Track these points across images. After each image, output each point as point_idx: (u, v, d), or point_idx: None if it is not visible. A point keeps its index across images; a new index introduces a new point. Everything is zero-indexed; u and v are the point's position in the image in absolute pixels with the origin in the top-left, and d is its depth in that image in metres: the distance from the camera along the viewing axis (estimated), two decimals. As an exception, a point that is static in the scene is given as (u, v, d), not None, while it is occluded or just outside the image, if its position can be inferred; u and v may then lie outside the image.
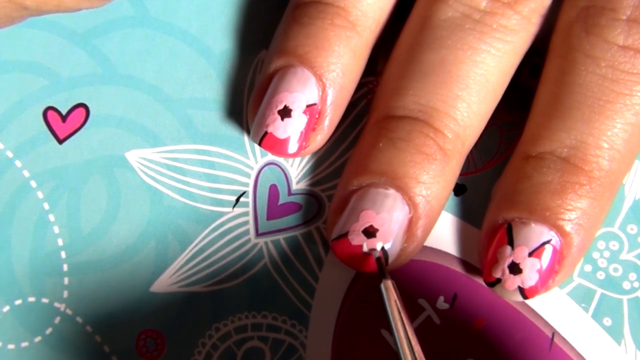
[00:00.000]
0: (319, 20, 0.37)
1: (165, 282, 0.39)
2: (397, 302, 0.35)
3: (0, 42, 0.39)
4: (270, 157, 0.39)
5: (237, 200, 0.39)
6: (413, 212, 0.36)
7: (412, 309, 0.38)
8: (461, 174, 0.38)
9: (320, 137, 0.37)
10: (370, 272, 0.37)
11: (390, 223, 0.36)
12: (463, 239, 0.39)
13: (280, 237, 0.39)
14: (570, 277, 0.38)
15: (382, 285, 0.35)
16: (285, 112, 0.37)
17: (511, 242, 0.36)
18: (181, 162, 0.39)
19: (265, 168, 0.39)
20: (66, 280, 0.39)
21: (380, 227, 0.36)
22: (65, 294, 0.39)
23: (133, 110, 0.40)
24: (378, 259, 0.36)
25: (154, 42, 0.40)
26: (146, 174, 0.39)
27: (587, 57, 0.35)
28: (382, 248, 0.36)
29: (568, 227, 0.35)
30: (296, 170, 0.39)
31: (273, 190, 0.39)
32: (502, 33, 0.36)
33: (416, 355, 0.34)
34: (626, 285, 0.38)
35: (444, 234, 0.39)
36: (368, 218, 0.36)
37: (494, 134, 0.39)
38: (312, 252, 0.39)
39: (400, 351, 0.34)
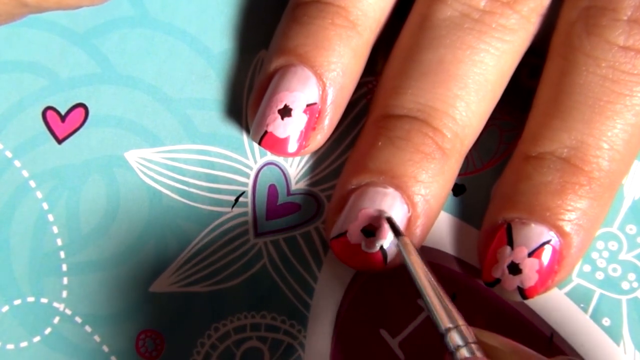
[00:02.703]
0: (319, 20, 0.37)
1: (164, 282, 0.39)
2: (418, 256, 0.35)
3: (0, 41, 0.39)
4: (269, 157, 0.39)
5: (236, 200, 0.39)
6: (412, 211, 0.36)
7: (411, 309, 0.38)
8: (460, 174, 0.38)
9: (320, 137, 0.38)
10: (369, 271, 0.37)
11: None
12: (462, 238, 0.39)
13: (280, 237, 0.39)
14: (569, 277, 0.38)
15: (399, 243, 0.35)
16: (286, 112, 0.37)
17: (511, 243, 0.36)
18: (180, 162, 0.39)
19: (265, 168, 0.39)
20: (65, 280, 0.39)
21: (379, 226, 0.36)
22: (65, 293, 0.39)
23: (132, 110, 0.40)
24: (388, 218, 0.36)
25: (154, 42, 0.40)
26: (145, 174, 0.39)
27: (588, 57, 0.35)
28: (381, 247, 0.36)
29: (568, 227, 0.35)
30: (295, 171, 0.39)
31: (272, 191, 0.39)
32: (501, 32, 0.36)
33: (447, 307, 0.33)
34: (625, 286, 0.38)
35: (443, 234, 0.39)
36: (367, 217, 0.36)
37: (493, 134, 0.39)
38: (311, 252, 0.39)
39: (430, 306, 0.34)
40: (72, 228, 0.39)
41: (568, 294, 0.38)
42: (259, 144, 0.37)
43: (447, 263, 0.39)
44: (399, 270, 0.38)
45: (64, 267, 0.39)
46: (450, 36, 0.36)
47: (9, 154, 0.39)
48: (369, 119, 0.38)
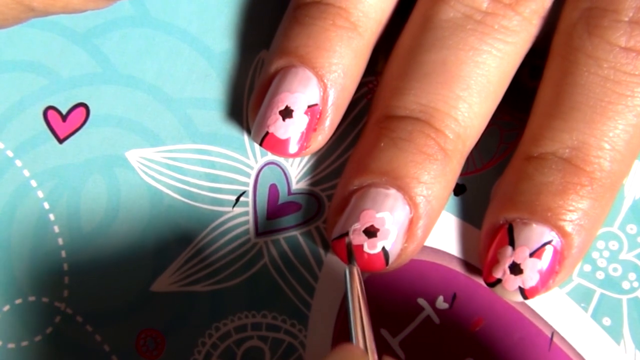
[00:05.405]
0: (320, 21, 0.37)
1: (165, 282, 0.39)
2: (359, 288, 0.35)
3: (1, 41, 0.39)
4: (270, 156, 0.39)
5: (237, 199, 0.39)
6: (414, 212, 0.36)
7: (411, 309, 0.38)
8: (461, 174, 0.38)
9: (321, 138, 0.38)
10: (370, 271, 0.37)
11: (391, 223, 0.36)
12: (462, 238, 0.39)
13: (280, 236, 0.39)
14: (570, 277, 0.38)
15: (347, 270, 0.35)
16: (287, 113, 0.37)
17: (512, 243, 0.36)
18: (181, 162, 0.39)
19: (265, 168, 0.39)
20: (66, 280, 0.39)
21: (380, 227, 0.36)
22: (66, 293, 0.39)
23: (133, 109, 0.40)
24: (348, 244, 0.36)
25: (154, 42, 0.40)
26: (146, 173, 0.39)
27: (589, 58, 0.35)
28: (383, 248, 0.36)
29: (569, 227, 0.35)
30: (296, 170, 0.39)
31: (273, 190, 0.39)
32: (503, 34, 0.36)
33: (367, 341, 0.34)
34: (625, 285, 0.38)
35: (443, 234, 0.39)
36: (369, 218, 0.36)
37: (493, 134, 0.39)
38: (312, 252, 0.39)
39: (353, 334, 0.34)
40: (73, 227, 0.39)
41: (569, 294, 0.38)
42: (260, 144, 0.37)
43: (447, 263, 0.39)
44: (399, 270, 0.38)
45: (65, 267, 0.39)
46: (453, 37, 0.36)
47: (10, 154, 0.39)
48: (371, 119, 0.38)
